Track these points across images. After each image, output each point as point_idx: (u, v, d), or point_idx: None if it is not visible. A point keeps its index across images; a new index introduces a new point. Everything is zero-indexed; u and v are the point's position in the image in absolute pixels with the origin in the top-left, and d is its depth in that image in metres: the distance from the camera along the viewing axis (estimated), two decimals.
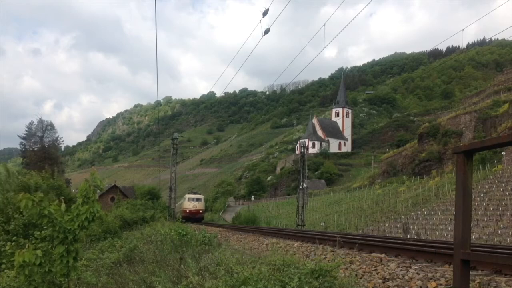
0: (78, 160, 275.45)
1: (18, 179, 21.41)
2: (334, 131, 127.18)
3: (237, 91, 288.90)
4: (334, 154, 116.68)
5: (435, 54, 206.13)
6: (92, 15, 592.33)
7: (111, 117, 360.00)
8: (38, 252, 4.78)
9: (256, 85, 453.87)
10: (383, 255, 7.42)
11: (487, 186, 35.54)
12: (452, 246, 3.44)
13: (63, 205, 5.07)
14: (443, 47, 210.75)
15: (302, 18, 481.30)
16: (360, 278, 5.90)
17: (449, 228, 29.12)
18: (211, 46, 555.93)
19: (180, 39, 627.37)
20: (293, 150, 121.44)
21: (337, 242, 8.93)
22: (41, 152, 62.18)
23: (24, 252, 4.70)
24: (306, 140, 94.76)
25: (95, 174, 5.46)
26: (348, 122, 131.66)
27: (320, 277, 4.98)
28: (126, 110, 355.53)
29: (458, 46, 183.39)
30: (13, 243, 5.91)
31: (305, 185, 36.60)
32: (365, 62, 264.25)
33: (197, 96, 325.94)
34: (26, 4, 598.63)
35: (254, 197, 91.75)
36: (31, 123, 69.28)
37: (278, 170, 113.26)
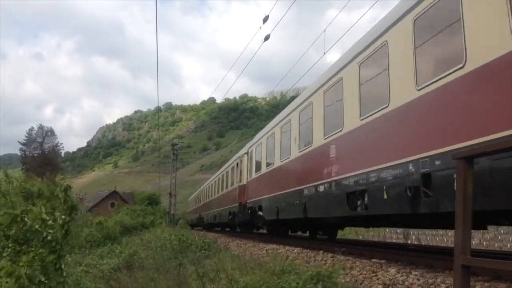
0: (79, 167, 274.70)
1: (21, 185, 21.29)
2: None
3: (237, 97, 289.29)
4: None
5: None
6: (94, 18, 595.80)
7: (111, 123, 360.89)
8: (17, 268, 4.66)
9: (260, 90, 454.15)
10: (383, 261, 7.40)
11: None
12: (452, 252, 3.43)
13: (42, 213, 5.09)
14: None
15: (307, 22, 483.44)
16: (360, 283, 5.87)
17: (450, 234, 29.02)
18: (214, 50, 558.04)
19: (183, 43, 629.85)
20: None
21: (338, 248, 8.90)
22: (41, 158, 62.17)
23: (3, 265, 4.64)
24: None
25: (58, 177, 5.77)
26: None
27: (320, 283, 4.95)
28: (126, 116, 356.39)
29: None
30: (9, 250, 5.82)
31: None
32: None
33: (198, 102, 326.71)
34: (28, 7, 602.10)
35: None
36: (31, 129, 69.43)
37: None
